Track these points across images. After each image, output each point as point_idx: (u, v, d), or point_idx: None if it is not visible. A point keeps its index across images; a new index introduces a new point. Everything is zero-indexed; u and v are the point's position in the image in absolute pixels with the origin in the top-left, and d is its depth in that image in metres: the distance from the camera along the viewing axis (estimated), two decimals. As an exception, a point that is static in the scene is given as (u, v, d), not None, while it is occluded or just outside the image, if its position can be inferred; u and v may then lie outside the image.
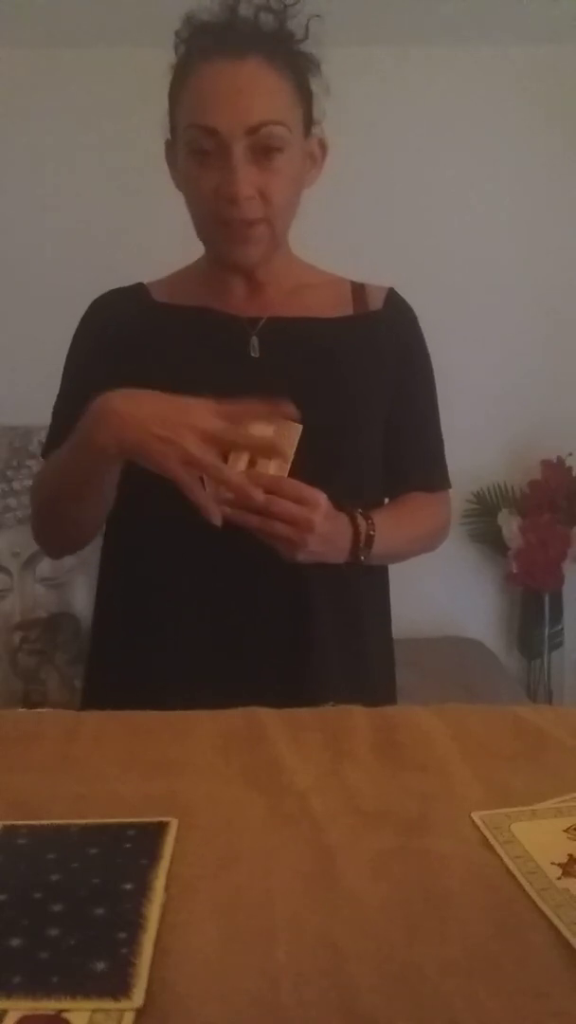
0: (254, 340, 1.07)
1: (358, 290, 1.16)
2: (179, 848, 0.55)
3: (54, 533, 1.13)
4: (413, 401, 1.16)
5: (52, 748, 0.70)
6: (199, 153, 0.98)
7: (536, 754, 0.68)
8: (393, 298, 1.17)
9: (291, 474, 0.92)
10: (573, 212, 2.51)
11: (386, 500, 1.16)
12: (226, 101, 0.97)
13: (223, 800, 0.61)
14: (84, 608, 2.15)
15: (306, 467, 0.93)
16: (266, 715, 0.74)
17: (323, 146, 1.08)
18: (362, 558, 1.01)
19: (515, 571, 2.44)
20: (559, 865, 0.52)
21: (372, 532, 1.02)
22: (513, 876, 0.51)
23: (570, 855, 0.53)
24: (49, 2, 2.18)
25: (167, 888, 0.50)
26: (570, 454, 2.45)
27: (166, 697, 0.82)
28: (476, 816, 0.58)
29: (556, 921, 0.47)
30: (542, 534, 2.41)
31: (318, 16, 1.02)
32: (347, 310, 1.14)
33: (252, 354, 1.06)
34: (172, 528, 0.99)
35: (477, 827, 0.57)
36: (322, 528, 0.93)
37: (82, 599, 2.16)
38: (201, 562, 1.01)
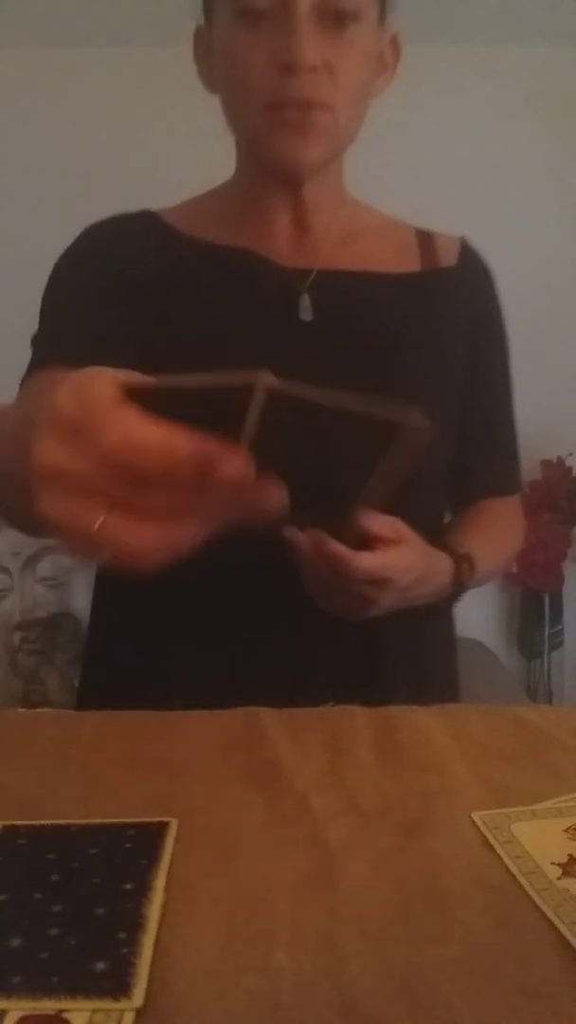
0: (304, 298, 0.85)
1: (425, 240, 0.95)
2: (179, 848, 0.55)
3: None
4: (486, 383, 0.96)
5: (52, 748, 0.69)
6: (250, 14, 0.78)
7: (536, 754, 0.68)
8: (468, 253, 0.97)
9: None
10: (573, 211, 2.52)
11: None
12: None
13: (223, 800, 0.61)
14: (84, 608, 2.15)
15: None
16: (266, 715, 0.74)
17: (396, 47, 0.89)
18: (458, 599, 0.85)
19: (515, 571, 2.44)
20: (559, 865, 0.52)
21: (474, 568, 0.84)
22: (513, 876, 0.51)
23: (570, 855, 0.53)
24: (49, 2, 2.18)
25: (167, 888, 0.50)
26: (570, 454, 2.45)
27: (171, 697, 0.76)
28: (476, 816, 0.58)
29: (556, 921, 0.47)
30: (542, 534, 2.41)
31: None
32: (413, 264, 0.93)
33: (302, 317, 0.86)
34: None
35: (477, 827, 0.57)
36: (404, 580, 0.74)
37: (82, 599, 2.17)
38: (209, 556, 0.85)
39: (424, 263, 0.93)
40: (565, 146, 2.52)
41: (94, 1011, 0.41)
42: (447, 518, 0.99)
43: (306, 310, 0.86)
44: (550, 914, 0.48)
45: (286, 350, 0.77)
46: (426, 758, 0.67)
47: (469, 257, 0.96)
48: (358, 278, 0.88)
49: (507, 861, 0.53)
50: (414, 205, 2.55)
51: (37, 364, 0.89)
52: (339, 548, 0.71)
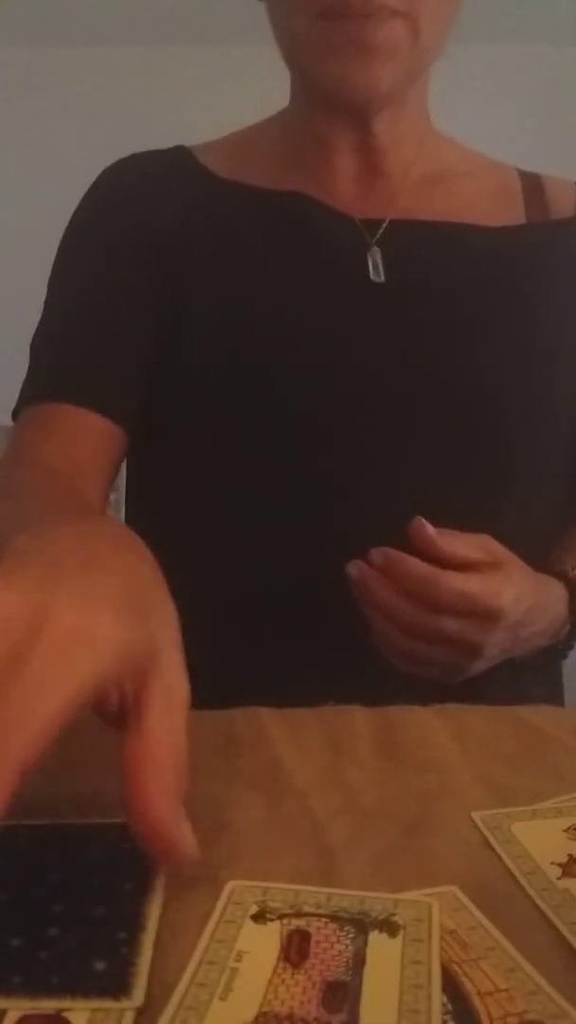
0: (375, 253, 0.69)
1: (532, 185, 0.78)
2: (178, 848, 0.55)
3: None
4: None
5: (52, 748, 0.69)
6: None
7: (536, 754, 0.68)
8: None
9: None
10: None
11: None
12: None
13: (223, 799, 0.61)
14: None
15: (454, 476, 0.64)
16: (266, 715, 0.74)
17: None
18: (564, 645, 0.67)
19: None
20: (559, 865, 0.52)
21: None
22: (513, 876, 0.51)
23: (570, 855, 0.53)
24: (49, 1, 2.18)
25: (167, 888, 0.50)
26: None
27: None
28: (476, 816, 0.58)
29: (556, 921, 0.47)
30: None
31: None
32: (516, 216, 0.78)
33: (373, 277, 0.70)
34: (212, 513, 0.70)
35: (477, 827, 0.57)
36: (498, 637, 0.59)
37: (82, 599, 2.17)
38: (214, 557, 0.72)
39: (530, 214, 0.77)
40: (565, 146, 2.52)
41: (94, 1010, 0.41)
42: None
43: (377, 269, 0.70)
44: (550, 914, 0.48)
45: (350, 319, 0.68)
46: (426, 758, 0.67)
47: None
48: (444, 230, 0.72)
49: (507, 861, 0.53)
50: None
51: (45, 335, 0.77)
52: (420, 566, 0.56)
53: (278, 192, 0.71)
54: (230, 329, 0.68)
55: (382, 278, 0.70)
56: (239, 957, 0.43)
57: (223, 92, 1.87)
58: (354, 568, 0.57)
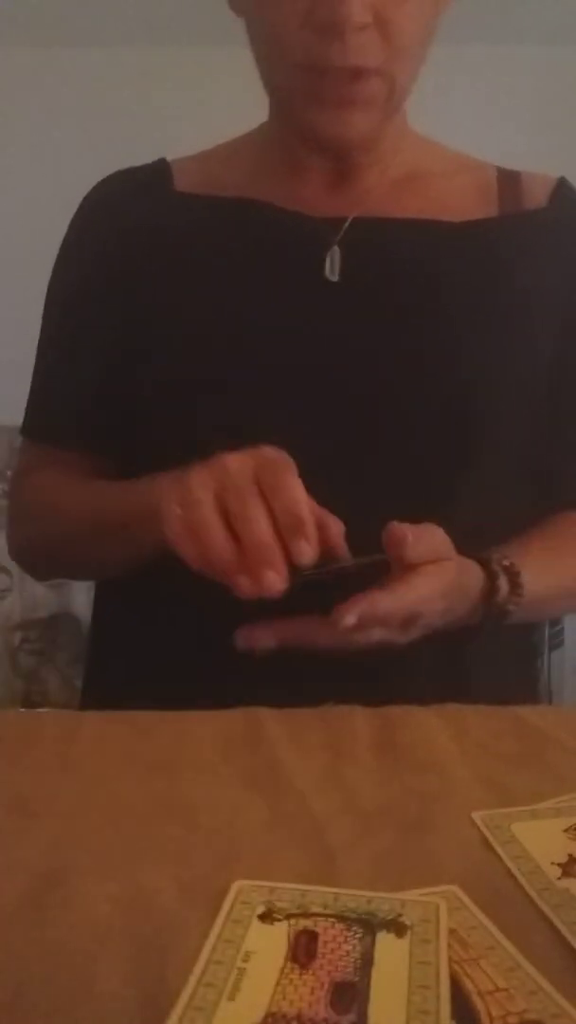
0: (333, 253, 0.70)
1: (508, 180, 0.79)
2: (178, 848, 0.55)
3: (54, 566, 0.88)
4: None
5: (52, 748, 0.70)
6: None
7: (536, 754, 0.68)
8: (564, 192, 0.79)
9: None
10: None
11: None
12: None
13: (223, 800, 0.61)
14: (85, 608, 2.15)
15: (413, 457, 0.67)
16: (266, 715, 0.74)
17: None
18: (501, 619, 0.69)
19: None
20: (559, 865, 0.52)
21: (519, 581, 0.67)
22: (513, 876, 0.51)
23: (570, 855, 0.53)
24: (50, 2, 2.18)
25: (169, 887, 0.50)
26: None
27: (175, 695, 0.72)
28: (476, 816, 0.58)
29: (556, 921, 0.47)
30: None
31: None
32: (490, 210, 0.76)
33: (328, 276, 0.71)
34: None
35: (477, 827, 0.57)
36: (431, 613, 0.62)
37: (82, 599, 2.17)
38: None
39: (503, 207, 0.77)
40: (567, 147, 2.52)
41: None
42: None
43: (333, 268, 0.71)
44: (550, 914, 0.48)
45: (305, 318, 0.69)
46: (426, 758, 0.67)
47: (566, 197, 0.78)
48: (410, 227, 0.73)
49: (507, 861, 0.53)
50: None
51: (37, 371, 0.84)
52: (389, 609, 0.60)
53: (237, 200, 0.74)
54: (192, 337, 0.72)
55: (336, 277, 0.71)
56: (247, 957, 0.43)
57: (223, 93, 1.87)
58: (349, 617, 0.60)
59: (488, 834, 0.56)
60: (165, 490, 0.62)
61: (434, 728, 0.72)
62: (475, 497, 0.69)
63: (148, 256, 0.75)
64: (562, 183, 0.81)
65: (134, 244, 0.76)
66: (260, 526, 0.56)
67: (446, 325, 0.71)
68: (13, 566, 2.18)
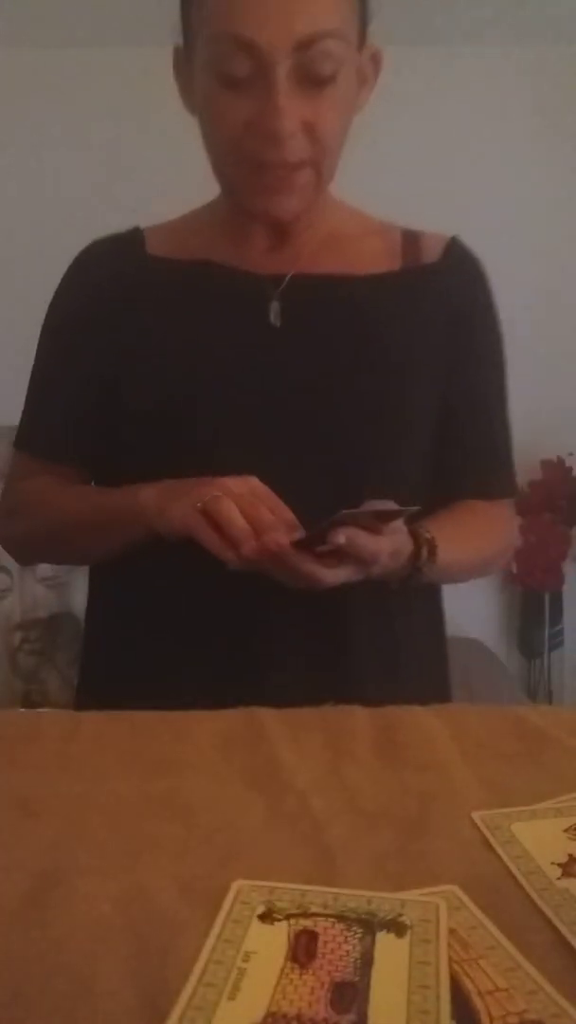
0: (274, 304, 0.87)
1: (411, 240, 0.94)
2: (178, 847, 0.55)
3: (42, 553, 1.08)
4: (471, 380, 0.94)
5: (52, 748, 0.70)
6: (226, 78, 0.77)
7: (536, 754, 0.68)
8: (455, 249, 0.95)
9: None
10: (574, 213, 2.52)
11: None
12: (271, 2, 0.74)
13: (223, 799, 0.61)
14: (84, 608, 2.15)
15: (336, 469, 0.83)
16: (266, 715, 0.74)
17: (376, 60, 0.87)
18: (420, 579, 0.85)
19: (515, 571, 2.45)
20: (559, 865, 0.52)
21: (435, 547, 0.84)
22: (513, 876, 0.52)
23: (570, 855, 0.53)
24: (50, 2, 2.18)
25: (170, 885, 0.50)
26: (570, 454, 2.46)
27: (162, 691, 0.78)
28: (476, 816, 0.58)
29: (556, 921, 0.47)
30: (542, 534, 2.42)
31: None
32: (395, 264, 0.92)
33: (272, 322, 0.87)
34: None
35: (477, 827, 0.57)
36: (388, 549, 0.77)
37: (82, 599, 2.15)
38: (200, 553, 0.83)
39: (405, 262, 0.93)
40: (568, 146, 2.52)
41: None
42: None
43: (275, 315, 0.87)
44: (550, 914, 0.48)
45: (254, 356, 0.86)
46: (426, 758, 0.68)
47: (455, 253, 0.95)
48: (333, 280, 0.89)
49: (507, 861, 0.53)
50: (415, 204, 2.56)
51: (37, 394, 0.97)
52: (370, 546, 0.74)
53: (192, 261, 0.90)
54: (160, 378, 0.87)
55: (279, 323, 0.88)
56: (247, 957, 0.43)
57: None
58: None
59: (488, 834, 0.56)
60: (161, 497, 0.80)
61: (434, 728, 0.72)
62: (395, 488, 0.82)
63: (125, 306, 0.90)
64: (454, 240, 0.96)
65: (114, 296, 0.91)
66: (265, 513, 0.74)
67: (365, 358, 0.88)
68: (13, 566, 2.18)
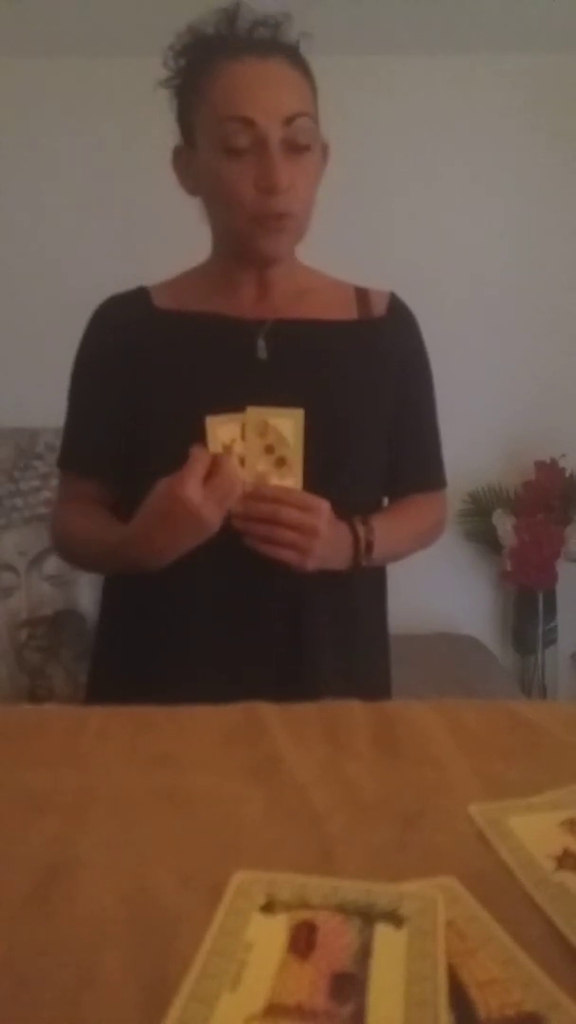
0: (260, 342, 1.09)
1: (362, 295, 1.19)
2: (180, 840, 0.55)
3: (90, 568, 1.26)
4: (414, 405, 1.19)
5: (57, 742, 0.70)
6: (233, 150, 1.00)
7: (531, 748, 0.69)
8: (396, 304, 1.20)
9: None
10: (569, 220, 2.52)
11: (385, 502, 1.19)
12: (262, 92, 1.00)
13: (224, 793, 0.62)
14: (89, 606, 2.15)
15: (309, 468, 0.98)
16: (266, 710, 0.75)
17: (326, 149, 1.10)
18: (363, 563, 1.06)
19: (509, 569, 2.45)
20: (554, 858, 0.53)
21: (372, 538, 1.06)
22: (509, 869, 0.52)
23: (565, 848, 0.54)
24: (51, 12, 2.18)
25: (170, 879, 0.51)
26: (563, 455, 2.47)
27: (166, 687, 0.82)
28: (473, 809, 0.59)
29: (551, 914, 0.48)
30: (536, 533, 2.42)
31: (308, 34, 1.07)
32: (351, 314, 1.17)
33: (259, 356, 1.09)
34: None
35: (474, 820, 0.58)
36: (327, 534, 0.97)
37: (88, 597, 2.17)
38: (204, 558, 1.00)
39: (360, 313, 1.17)
40: (563, 154, 2.52)
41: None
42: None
43: (262, 350, 1.09)
44: (545, 907, 0.48)
45: (246, 383, 1.04)
46: (423, 752, 0.68)
47: (396, 308, 1.19)
48: (306, 325, 1.12)
49: (503, 855, 0.54)
50: (412, 213, 2.55)
51: (71, 429, 1.18)
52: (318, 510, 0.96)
53: (195, 312, 1.12)
54: (171, 408, 1.06)
55: (265, 356, 1.09)
56: (247, 948, 0.43)
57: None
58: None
59: (485, 828, 0.57)
60: (146, 537, 0.99)
61: (431, 722, 0.73)
62: (351, 486, 1.08)
63: (138, 351, 1.10)
64: (393, 296, 1.20)
65: (128, 343, 1.11)
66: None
67: (334, 386, 1.09)
68: (20, 564, 2.19)
